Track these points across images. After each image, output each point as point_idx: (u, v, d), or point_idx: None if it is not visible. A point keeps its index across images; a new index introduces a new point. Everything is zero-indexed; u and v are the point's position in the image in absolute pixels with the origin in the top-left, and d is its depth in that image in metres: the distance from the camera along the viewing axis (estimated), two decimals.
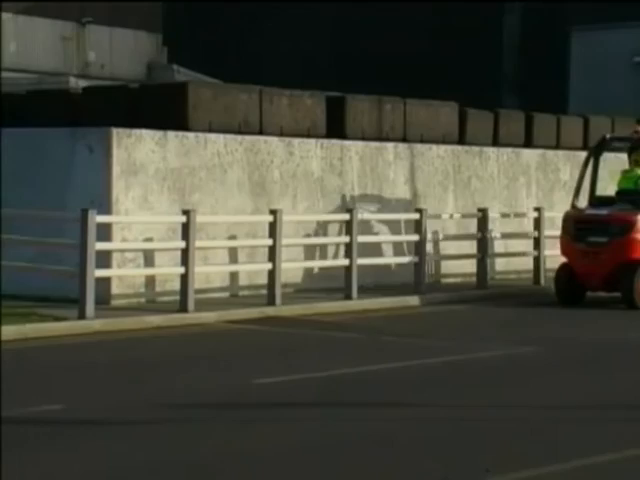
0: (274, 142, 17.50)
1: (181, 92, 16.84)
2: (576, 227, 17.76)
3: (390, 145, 19.49)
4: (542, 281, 19.47)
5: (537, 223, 19.79)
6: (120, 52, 31.39)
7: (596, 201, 18.35)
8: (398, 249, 18.63)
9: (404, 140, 19.84)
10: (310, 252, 17.53)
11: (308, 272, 17.55)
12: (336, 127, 18.71)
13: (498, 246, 19.93)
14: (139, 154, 15.76)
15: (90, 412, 9.24)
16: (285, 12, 50.66)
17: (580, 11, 46.99)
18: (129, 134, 15.70)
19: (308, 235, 17.47)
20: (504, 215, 20.18)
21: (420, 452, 8.07)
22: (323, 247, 17.59)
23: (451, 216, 19.45)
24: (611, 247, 17.31)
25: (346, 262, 16.85)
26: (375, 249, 18.35)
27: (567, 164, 22.61)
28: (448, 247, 19.48)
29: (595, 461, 7.77)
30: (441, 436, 8.59)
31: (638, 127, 19.36)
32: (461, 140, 20.83)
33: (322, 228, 17.61)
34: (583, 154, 22.96)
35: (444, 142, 20.43)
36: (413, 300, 17.29)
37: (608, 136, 19.41)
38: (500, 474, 7.36)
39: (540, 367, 11.99)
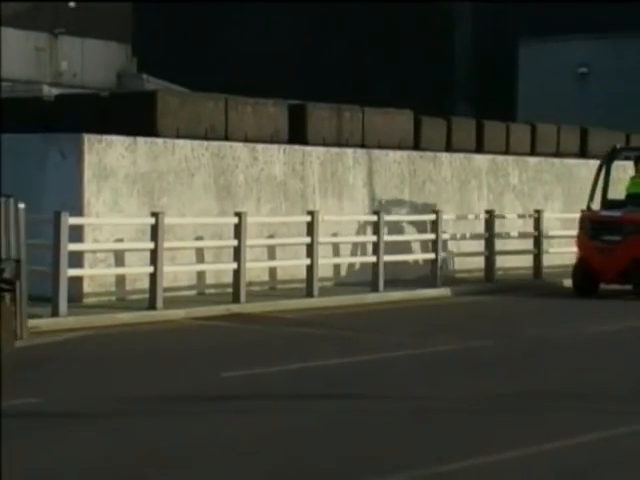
0: (239, 148, 17.46)
1: (150, 100, 16.78)
2: (592, 227, 18.83)
3: (349, 151, 19.50)
4: (494, 278, 19.55)
5: (488, 224, 19.88)
6: (91, 62, 31.24)
7: (608, 204, 19.46)
8: (361, 249, 18.64)
9: (362, 146, 19.86)
10: (273, 252, 17.52)
11: (272, 271, 17.55)
12: (298, 134, 18.72)
13: (451, 246, 19.99)
14: (110, 159, 15.68)
15: (65, 405, 9.18)
16: (249, 25, 50.60)
17: (528, 24, 47.25)
18: (100, 140, 15.61)
19: (271, 236, 17.44)
20: (459, 217, 20.26)
21: (378, 441, 8.07)
22: (286, 247, 17.56)
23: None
24: (624, 244, 18.33)
25: (308, 261, 16.85)
26: (337, 249, 18.38)
27: (516, 169, 22.72)
28: (405, 247, 19.51)
29: (547, 448, 7.79)
30: (398, 425, 8.59)
31: None
32: (416, 146, 20.89)
33: (286, 229, 17.58)
34: (531, 159, 23.17)
35: (400, 148, 20.47)
36: (369, 298, 17.32)
37: (618, 146, 20.54)
38: (457, 461, 7.37)
39: (493, 360, 12.02)
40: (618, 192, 19.97)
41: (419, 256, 19.30)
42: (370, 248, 18.10)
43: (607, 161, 19.84)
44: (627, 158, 20.49)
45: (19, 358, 10.82)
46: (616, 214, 18.88)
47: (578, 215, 19.81)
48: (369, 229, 18.48)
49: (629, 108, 42.81)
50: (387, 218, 18.32)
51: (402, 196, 20.26)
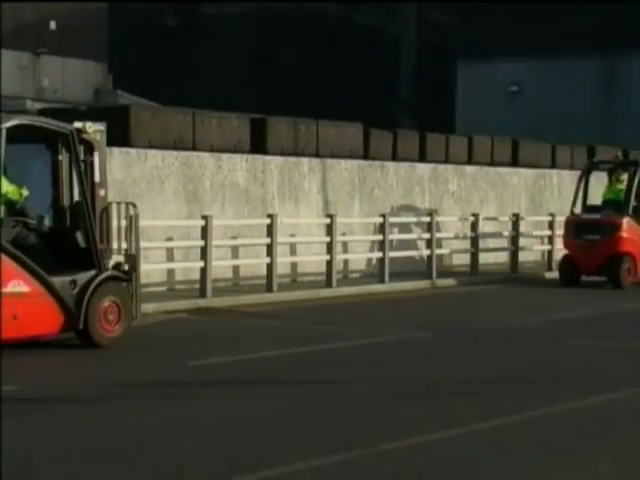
0: (205, 157, 17.37)
1: (124, 114, 16.65)
2: (575, 228, 19.86)
3: (305, 160, 19.47)
4: (434, 275, 19.55)
5: (429, 226, 19.93)
6: (71, 79, 30.97)
7: (588, 208, 20.36)
8: (314, 248, 18.60)
9: (317, 155, 19.83)
10: (236, 251, 17.45)
11: (235, 269, 17.48)
12: (259, 144, 18.68)
13: (397, 246, 20.01)
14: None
15: (42, 391, 9.07)
16: (215, 45, 50.45)
17: (465, 47, 47.51)
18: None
19: (235, 237, 17.36)
20: (431, 217, 20.26)
21: (324, 423, 8.04)
22: (248, 247, 17.48)
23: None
24: (603, 242, 19.33)
25: (268, 260, 16.80)
26: (294, 248, 18.34)
27: (455, 176, 22.80)
28: (355, 247, 19.52)
29: (473, 428, 7.80)
30: (343, 409, 8.57)
31: (618, 154, 21.70)
32: (365, 156, 20.90)
33: (248, 230, 17.50)
34: (468, 168, 23.25)
35: (351, 157, 20.48)
36: (323, 292, 17.29)
37: (595, 159, 21.96)
38: (396, 440, 7.35)
39: (434, 349, 12.03)
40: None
41: (371, 255, 19.29)
42: (324, 248, 18.07)
43: (586, 172, 20.64)
44: (602, 169, 21.23)
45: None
46: (595, 217, 19.83)
47: (508, 218, 20.57)
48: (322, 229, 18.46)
49: (555, 122, 43.14)
50: (340, 220, 18.29)
51: (353, 201, 20.25)
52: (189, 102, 22.16)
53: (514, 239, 21.90)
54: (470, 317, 15.09)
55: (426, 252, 19.80)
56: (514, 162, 24.71)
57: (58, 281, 10.95)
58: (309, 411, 8.49)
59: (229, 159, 17.85)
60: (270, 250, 16.79)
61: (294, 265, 18.51)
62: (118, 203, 12.17)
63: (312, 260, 18.46)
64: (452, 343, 12.38)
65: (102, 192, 11.54)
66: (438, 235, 20.04)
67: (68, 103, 26.32)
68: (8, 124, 10.86)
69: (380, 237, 18.84)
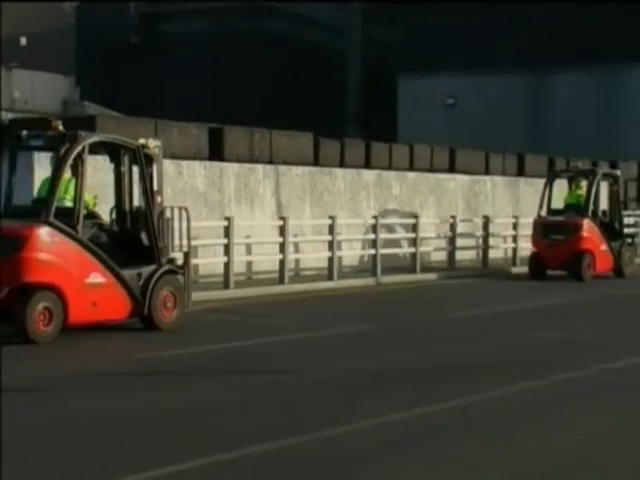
0: (166, 164, 17.09)
1: (90, 123, 16.41)
2: (542, 228, 20.65)
3: (259, 166, 19.37)
4: (378, 272, 19.52)
5: (374, 228, 19.90)
6: (40, 91, 30.58)
7: (552, 211, 21.09)
8: (268, 248, 18.49)
9: (270, 162, 19.75)
10: (195, 251, 17.28)
11: (195, 267, 17.30)
12: (216, 152, 18.56)
13: (344, 245, 19.97)
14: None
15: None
16: (176, 58, 50.12)
17: (406, 63, 47.68)
18: (47, 157, 15.19)
19: (194, 238, 17.17)
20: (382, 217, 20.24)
21: (270, 411, 7.97)
22: (207, 247, 17.33)
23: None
24: (567, 241, 20.17)
25: (225, 259, 16.67)
26: (249, 248, 18.22)
27: (397, 182, 22.83)
28: (306, 247, 19.45)
29: (412, 413, 7.77)
30: (291, 398, 8.50)
31: (578, 164, 22.72)
32: (315, 162, 20.85)
33: (206, 232, 17.35)
34: (410, 174, 23.28)
35: (302, 164, 20.42)
36: (276, 289, 17.19)
37: (558, 169, 23.07)
38: (342, 425, 7.30)
39: (376, 341, 11.99)
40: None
41: (321, 254, 19.20)
42: (278, 247, 17.97)
43: (550, 180, 21.40)
44: (563, 177, 22.00)
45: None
46: (560, 219, 20.66)
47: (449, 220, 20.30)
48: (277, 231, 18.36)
49: (488, 132, 43.45)
50: (292, 222, 18.21)
51: (304, 205, 20.18)
52: (152, 113, 21.96)
53: (451, 240, 22.01)
54: (412, 312, 15.09)
55: (372, 251, 19.78)
56: (451, 169, 24.81)
57: (127, 274, 11.79)
58: (258, 399, 8.40)
59: (189, 166, 17.69)
60: (227, 250, 16.67)
61: (249, 264, 18.40)
62: (172, 208, 12.95)
63: (266, 259, 18.35)
64: (392, 336, 12.34)
65: (159, 198, 12.39)
66: (385, 236, 20.02)
67: (38, 113, 25.96)
68: (91, 140, 11.79)
69: (329, 238, 18.79)
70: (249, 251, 18.24)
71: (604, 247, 20.63)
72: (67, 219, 11.24)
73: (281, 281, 17.56)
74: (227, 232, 16.67)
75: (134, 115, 20.91)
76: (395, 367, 9.96)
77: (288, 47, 51.81)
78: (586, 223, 20.34)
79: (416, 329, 12.93)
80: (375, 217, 20.06)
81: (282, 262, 17.68)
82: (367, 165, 22.17)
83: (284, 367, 9.93)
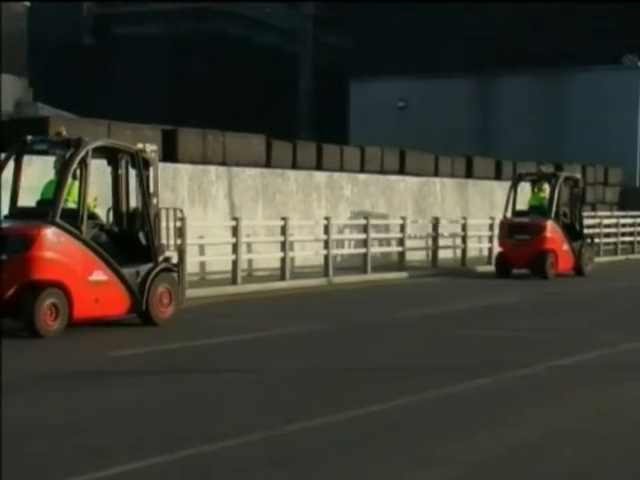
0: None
1: (43, 124, 16.22)
2: (508, 229, 21.17)
3: (212, 168, 19.28)
4: (330, 273, 19.52)
5: (326, 229, 19.89)
6: None
7: (517, 213, 21.68)
8: (221, 249, 18.40)
9: (223, 164, 19.66)
10: None
11: None
12: (170, 153, 18.41)
13: (296, 246, 19.95)
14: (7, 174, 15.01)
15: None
16: (130, 61, 49.72)
17: (357, 67, 47.81)
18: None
19: None
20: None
21: (225, 409, 7.92)
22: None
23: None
24: (531, 241, 20.74)
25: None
26: (202, 249, 18.11)
27: (349, 183, 22.86)
28: (259, 248, 19.39)
29: (366, 411, 7.77)
30: (245, 396, 8.46)
31: (541, 168, 23.67)
32: (267, 164, 20.81)
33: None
34: (360, 175, 23.33)
35: (255, 165, 20.36)
36: (229, 289, 17.11)
37: (523, 172, 23.19)
38: (300, 422, 7.27)
39: (327, 340, 11.98)
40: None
41: (274, 255, 19.15)
42: (230, 248, 17.90)
43: (514, 183, 21.86)
44: (527, 181, 22.44)
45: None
46: (525, 220, 21.18)
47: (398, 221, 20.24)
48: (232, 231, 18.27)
49: (437, 134, 43.74)
50: (244, 223, 18.14)
51: (256, 206, 20.11)
52: (105, 114, 21.74)
53: (401, 240, 22.10)
54: (365, 311, 15.11)
55: (323, 252, 19.78)
56: (401, 170, 24.92)
57: (126, 272, 12.23)
58: (211, 398, 8.34)
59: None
60: (181, 250, 16.50)
61: (202, 264, 18.29)
62: (167, 209, 13.36)
63: (219, 260, 18.26)
64: (345, 335, 12.34)
65: (155, 200, 12.82)
66: (333, 237, 20.01)
67: None
68: (94, 145, 12.21)
69: (282, 238, 18.75)
70: (202, 251, 18.14)
71: (566, 247, 21.26)
72: (72, 220, 11.68)
73: (234, 281, 17.48)
74: (181, 233, 16.54)
75: (87, 116, 20.68)
76: (347, 366, 9.96)
77: (240, 50, 51.69)
78: (549, 224, 20.93)
79: (368, 328, 12.94)
80: (327, 218, 20.07)
81: (235, 263, 17.60)
82: (319, 167, 22.17)
83: (237, 366, 9.88)
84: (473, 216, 25.47)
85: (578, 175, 23.41)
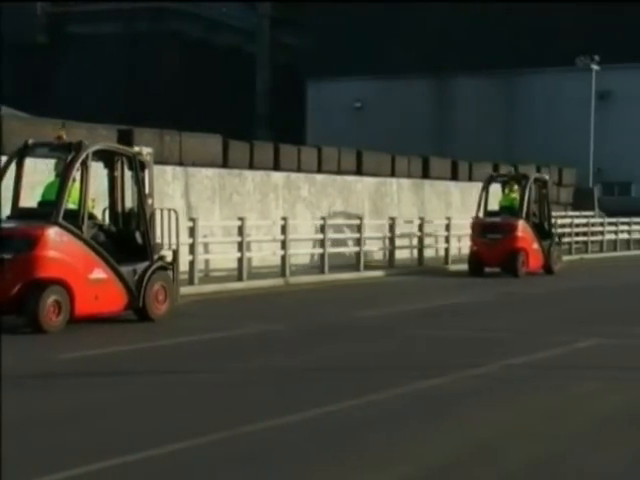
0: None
1: None
2: (481, 228, 21.71)
3: (169, 168, 19.18)
4: (287, 273, 19.52)
5: (283, 229, 19.89)
6: None
7: (488, 213, 22.01)
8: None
9: (180, 164, 19.57)
10: None
11: None
12: None
13: (254, 246, 19.91)
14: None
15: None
16: (85, 62, 49.30)
17: (314, 67, 47.84)
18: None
19: None
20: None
21: (178, 411, 7.88)
22: None
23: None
24: (503, 241, 21.28)
25: None
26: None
27: (306, 183, 22.88)
28: (216, 248, 19.32)
29: (323, 411, 7.78)
30: (199, 397, 8.43)
31: (511, 169, 23.95)
32: (224, 164, 20.75)
33: None
34: (318, 176, 23.36)
35: (211, 166, 20.29)
36: (187, 290, 17.00)
37: (494, 174, 23.66)
38: (249, 424, 7.25)
39: (284, 341, 11.98)
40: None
41: (230, 255, 19.12)
42: (187, 249, 17.81)
43: (486, 185, 22.35)
44: (499, 182, 22.93)
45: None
46: (497, 220, 21.75)
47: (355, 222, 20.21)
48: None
49: (393, 134, 43.90)
50: (201, 224, 18.08)
51: (213, 206, 20.05)
52: (60, 114, 21.53)
53: (358, 240, 22.16)
54: (321, 311, 15.12)
55: (281, 252, 19.77)
56: (358, 171, 24.99)
57: (124, 270, 12.65)
58: (165, 399, 8.29)
59: (97, 167, 17.34)
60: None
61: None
62: (161, 209, 13.73)
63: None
64: (302, 335, 12.34)
65: (150, 201, 13.20)
66: (290, 237, 20.01)
67: None
68: (94, 148, 12.66)
69: (239, 239, 18.71)
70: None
71: (536, 246, 21.90)
72: (73, 220, 12.11)
73: (191, 282, 17.41)
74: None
75: (42, 116, 20.49)
76: (303, 366, 9.96)
77: (197, 49, 51.46)
78: (520, 224, 21.53)
79: (324, 329, 12.95)
80: (284, 218, 20.06)
81: (192, 263, 17.53)
82: (276, 167, 22.16)
83: (193, 367, 9.83)
84: (430, 216, 25.61)
85: (547, 176, 24.14)
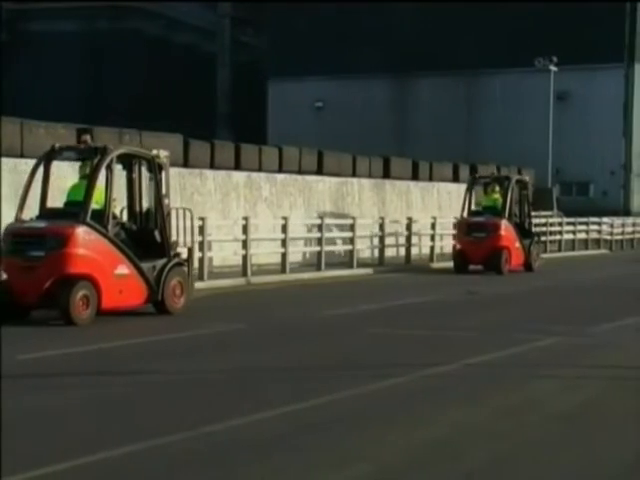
0: (31, 164, 16.69)
1: None
2: (466, 228, 22.32)
3: None
4: (249, 273, 19.45)
5: (245, 229, 19.81)
6: None
7: (472, 213, 22.74)
8: None
9: None
10: None
11: None
12: None
13: (215, 246, 19.81)
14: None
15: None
16: (44, 61, 48.87)
17: (275, 67, 47.78)
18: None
19: None
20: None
21: (143, 411, 7.84)
22: None
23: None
24: (487, 239, 21.91)
25: None
26: None
27: (267, 183, 22.85)
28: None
29: (284, 410, 7.78)
30: (164, 397, 8.39)
31: (494, 171, 24.80)
32: (185, 164, 20.66)
33: None
34: (279, 175, 23.32)
35: (172, 165, 20.08)
36: None
37: (477, 175, 24.23)
38: (218, 423, 7.23)
39: (247, 340, 11.95)
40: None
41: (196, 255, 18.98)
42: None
43: (470, 186, 23.05)
44: (482, 184, 23.48)
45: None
46: (481, 219, 22.30)
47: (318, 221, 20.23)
48: None
49: (355, 134, 43.99)
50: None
51: (174, 205, 19.88)
52: (18, 112, 21.30)
53: (319, 240, 22.18)
54: (283, 311, 15.11)
55: (242, 252, 19.71)
56: (319, 171, 25.01)
57: (144, 266, 13.36)
58: (129, 400, 8.24)
59: (57, 166, 17.19)
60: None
61: None
62: (177, 209, 14.49)
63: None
64: (264, 335, 12.33)
65: (166, 201, 13.90)
66: (253, 236, 19.95)
67: None
68: (118, 152, 13.41)
69: (200, 238, 18.62)
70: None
71: (517, 244, 22.69)
72: (97, 219, 12.83)
73: None
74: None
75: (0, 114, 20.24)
76: (263, 365, 9.96)
77: (158, 48, 51.20)
78: (504, 223, 22.27)
79: (285, 328, 12.94)
80: (245, 218, 20.00)
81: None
82: (237, 167, 22.11)
83: (157, 368, 9.78)
84: (391, 216, 25.70)
85: (527, 178, 25.02)
